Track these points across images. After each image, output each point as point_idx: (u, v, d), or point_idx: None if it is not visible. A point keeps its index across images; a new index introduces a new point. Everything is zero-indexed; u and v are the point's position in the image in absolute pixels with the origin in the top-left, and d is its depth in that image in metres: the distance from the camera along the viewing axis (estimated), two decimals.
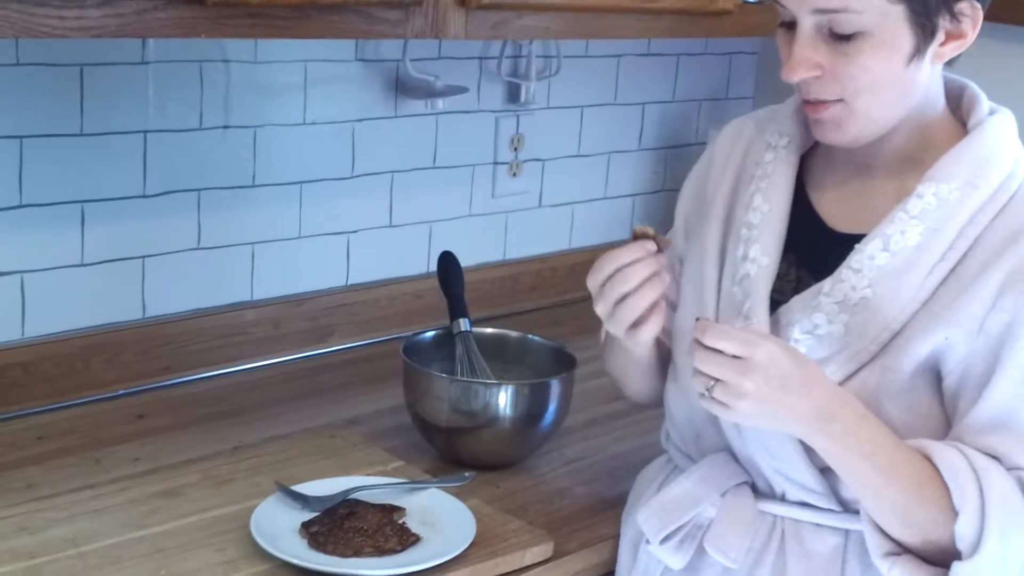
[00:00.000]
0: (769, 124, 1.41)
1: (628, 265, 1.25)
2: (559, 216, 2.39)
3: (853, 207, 1.33)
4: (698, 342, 1.19)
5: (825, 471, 1.28)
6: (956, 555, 1.20)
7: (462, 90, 2.08)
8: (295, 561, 1.35)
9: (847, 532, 1.30)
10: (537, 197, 2.34)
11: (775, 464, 1.31)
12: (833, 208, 1.34)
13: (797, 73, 1.23)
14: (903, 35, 1.21)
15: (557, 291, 2.37)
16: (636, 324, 1.28)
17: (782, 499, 1.33)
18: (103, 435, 1.67)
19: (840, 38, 1.21)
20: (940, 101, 1.30)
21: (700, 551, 1.35)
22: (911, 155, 1.29)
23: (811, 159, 1.38)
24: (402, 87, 2.05)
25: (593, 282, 1.28)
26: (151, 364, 1.84)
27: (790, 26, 1.25)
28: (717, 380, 1.18)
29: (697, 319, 1.22)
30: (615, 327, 1.29)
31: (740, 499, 1.34)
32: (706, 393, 1.19)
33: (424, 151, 2.13)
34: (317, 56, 1.94)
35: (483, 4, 1.60)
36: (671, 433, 1.47)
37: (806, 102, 1.26)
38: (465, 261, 1.87)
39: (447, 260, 1.84)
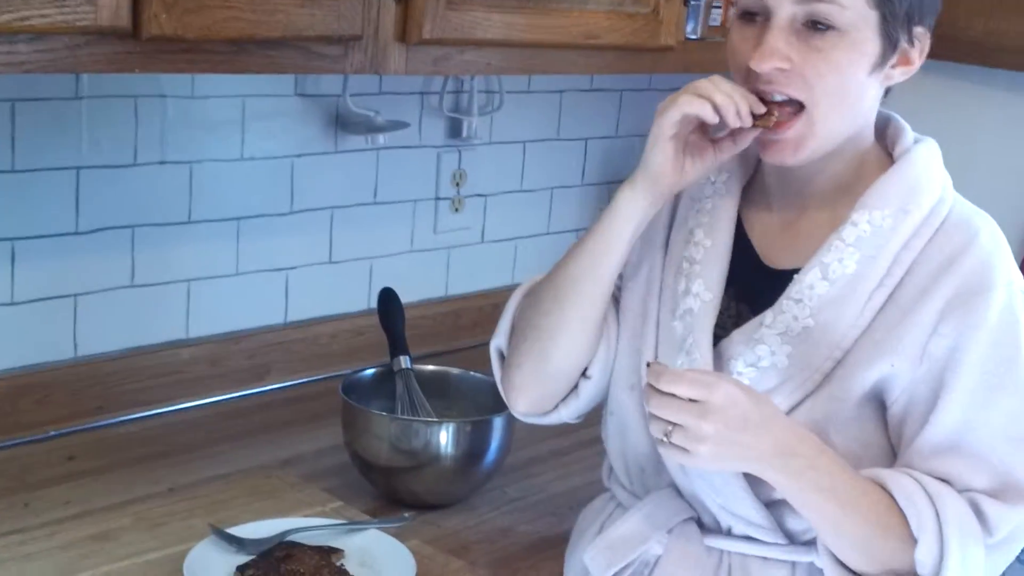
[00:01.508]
0: None
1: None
2: (502, 251, 2.38)
3: (787, 241, 1.33)
4: (652, 387, 1.17)
5: (770, 505, 1.28)
6: None
7: (403, 125, 2.07)
8: None
9: (793, 564, 1.30)
10: (480, 232, 2.33)
11: (720, 500, 1.30)
12: (768, 243, 1.34)
13: (769, 61, 1.22)
14: (872, 42, 1.23)
15: None
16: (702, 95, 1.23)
17: (728, 534, 1.33)
18: (32, 478, 1.63)
19: (815, 31, 1.21)
20: (871, 130, 1.32)
21: None
22: (844, 185, 1.30)
23: (748, 194, 1.38)
24: (342, 122, 2.04)
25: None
26: (83, 404, 1.80)
27: (751, 17, 1.25)
28: (675, 425, 1.16)
29: (649, 363, 1.21)
30: (694, 87, 1.24)
31: (687, 535, 1.33)
32: (664, 439, 1.17)
33: (365, 187, 2.12)
34: (256, 91, 1.92)
35: (424, 40, 1.59)
36: (614, 469, 1.45)
37: (765, 128, 1.25)
38: (406, 297, 1.85)
39: (387, 297, 1.83)
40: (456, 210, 2.27)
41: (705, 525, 1.34)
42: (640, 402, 1.35)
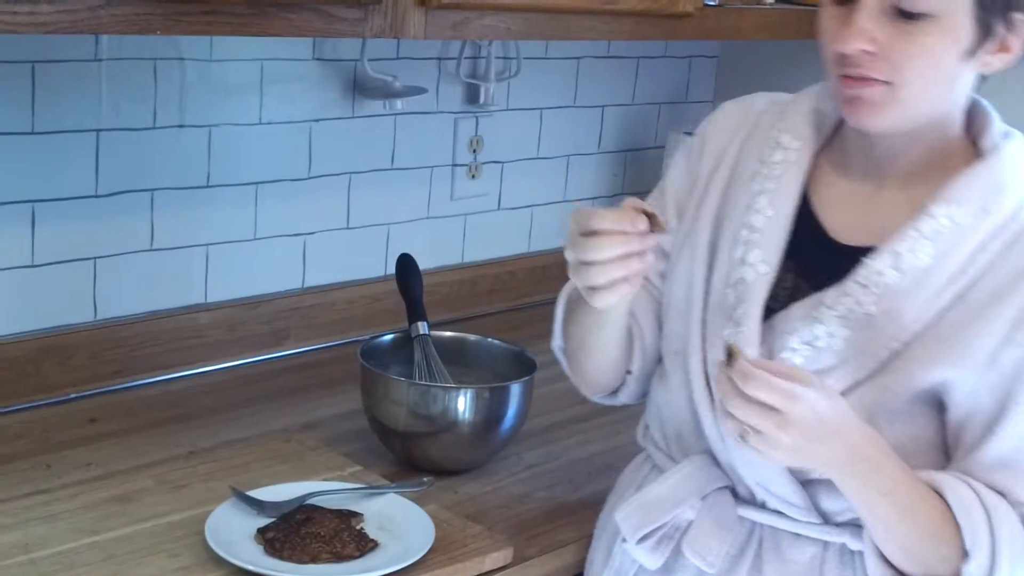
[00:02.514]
0: (778, 120, 1.37)
1: (609, 233, 1.17)
2: (518, 219, 2.37)
3: (858, 218, 1.30)
4: (733, 384, 1.14)
5: (806, 485, 1.27)
6: None
7: (421, 91, 2.07)
8: (251, 567, 1.32)
9: (825, 543, 1.29)
10: (496, 199, 2.32)
11: (756, 477, 1.30)
12: (837, 217, 1.31)
13: (855, 43, 1.19)
14: (965, 27, 1.19)
15: (516, 294, 2.36)
16: (599, 288, 1.20)
17: (762, 506, 1.32)
18: (54, 439, 1.64)
19: (906, 16, 1.18)
20: (960, 116, 1.28)
21: (676, 553, 1.34)
22: (923, 170, 1.27)
23: (818, 164, 1.34)
24: (360, 87, 2.03)
25: (574, 225, 1.20)
26: (103, 367, 1.81)
27: (844, 1, 1.21)
28: (751, 427, 1.14)
29: (729, 351, 1.16)
30: (576, 279, 1.22)
31: (720, 503, 1.33)
32: (740, 439, 1.16)
33: (382, 152, 2.11)
34: (274, 55, 1.92)
35: (443, 4, 1.58)
36: (651, 428, 1.45)
37: (846, 77, 1.22)
38: (423, 264, 1.85)
39: (406, 263, 1.83)
40: (473, 177, 2.27)
41: (739, 495, 1.34)
42: (684, 368, 1.35)
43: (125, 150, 1.79)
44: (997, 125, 1.29)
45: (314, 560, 1.36)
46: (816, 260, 1.29)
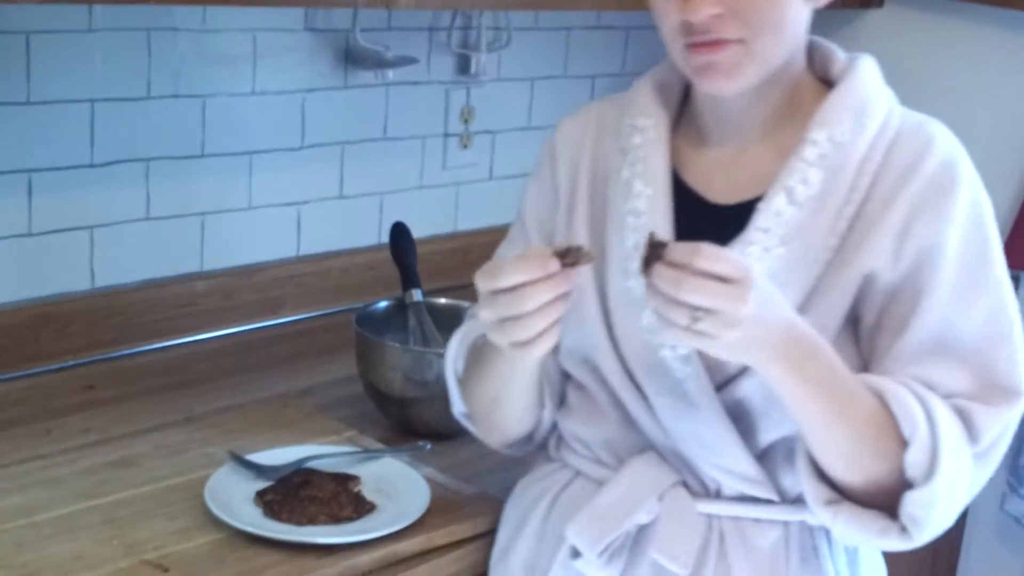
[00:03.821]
0: (626, 110, 1.33)
1: (529, 284, 1.10)
2: (510, 188, 2.38)
3: (731, 179, 1.28)
4: (675, 267, 1.06)
5: (761, 459, 1.26)
6: (905, 485, 1.18)
7: (412, 61, 2.08)
8: (250, 529, 1.35)
9: (786, 524, 1.28)
10: (488, 169, 2.34)
11: (712, 458, 1.26)
12: (707, 181, 1.29)
13: (705, 9, 1.16)
14: None
15: None
16: (529, 341, 1.13)
17: (717, 496, 1.28)
18: (53, 406, 1.66)
19: None
20: (804, 56, 1.28)
21: (630, 561, 1.29)
22: (783, 114, 1.27)
23: (676, 138, 1.32)
24: (352, 57, 2.04)
25: (484, 285, 1.13)
26: (100, 335, 1.83)
27: None
28: (704, 310, 1.06)
29: (652, 243, 1.08)
30: (500, 339, 1.14)
31: (678, 500, 1.28)
32: (688, 325, 1.06)
33: (374, 122, 2.13)
34: (266, 25, 1.93)
35: None
36: (566, 439, 1.38)
37: (695, 45, 1.19)
38: (416, 233, 1.87)
39: (399, 231, 1.84)
40: (464, 146, 2.28)
41: (692, 489, 1.29)
42: (596, 376, 1.30)
43: (120, 120, 1.80)
44: (840, 52, 1.30)
45: (312, 522, 1.38)
46: (700, 227, 1.23)
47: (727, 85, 1.21)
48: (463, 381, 1.38)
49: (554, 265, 1.11)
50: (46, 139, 1.74)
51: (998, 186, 1.66)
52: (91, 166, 1.79)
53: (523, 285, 1.10)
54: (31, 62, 1.69)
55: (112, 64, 1.77)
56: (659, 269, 1.07)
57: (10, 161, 1.71)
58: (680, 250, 1.06)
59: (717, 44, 1.18)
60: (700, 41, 1.19)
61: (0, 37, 1.65)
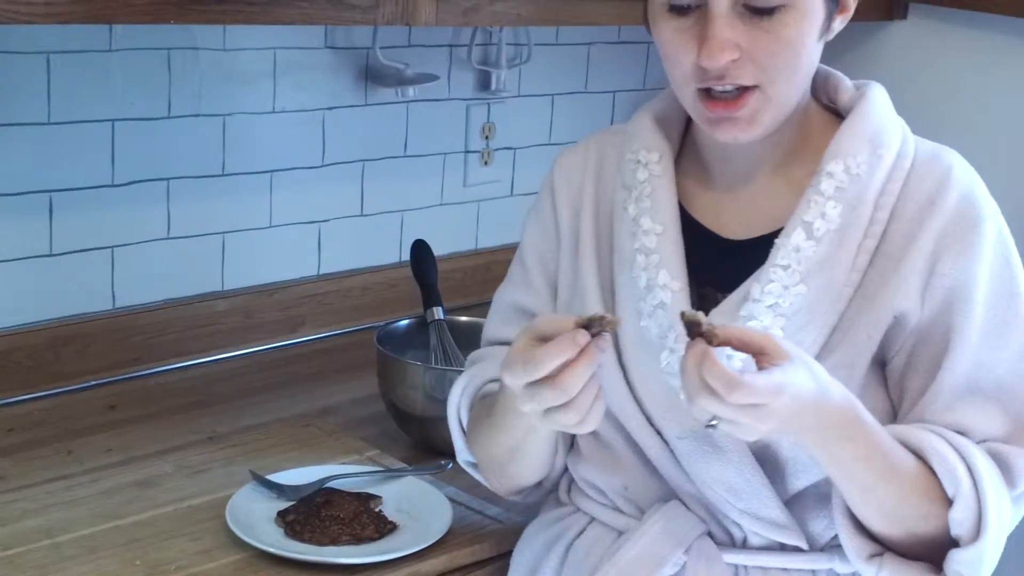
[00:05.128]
0: (627, 144, 1.30)
1: (568, 366, 1.06)
2: (531, 205, 2.38)
3: (742, 212, 1.25)
4: (708, 386, 1.03)
5: (790, 503, 1.23)
6: (950, 543, 1.16)
7: (433, 78, 2.07)
8: (272, 550, 1.34)
9: (813, 573, 1.24)
10: (509, 186, 2.33)
11: (739, 504, 1.22)
12: (720, 217, 1.26)
13: (721, 56, 1.12)
14: (818, 5, 1.16)
15: None
16: (581, 422, 1.10)
17: (744, 546, 1.25)
18: (75, 426, 1.66)
19: (760, 13, 1.13)
20: (810, 87, 1.24)
21: None
22: (793, 148, 1.24)
23: (680, 172, 1.28)
24: (372, 75, 2.04)
25: (519, 380, 1.08)
26: (122, 355, 1.83)
27: (683, 10, 1.16)
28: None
29: (690, 323, 1.04)
30: (551, 425, 1.12)
31: (705, 552, 1.24)
32: (712, 424, 1.06)
33: (395, 140, 2.12)
34: (286, 43, 1.93)
35: None
36: (580, 485, 1.34)
37: (714, 102, 1.16)
38: (437, 250, 1.86)
39: (420, 249, 1.84)
40: (485, 163, 2.27)
41: (717, 539, 1.26)
42: (614, 423, 1.27)
43: (141, 139, 1.80)
44: (848, 81, 1.27)
45: (334, 542, 1.38)
46: (713, 264, 1.23)
47: (744, 136, 1.19)
48: (470, 431, 1.35)
49: (584, 338, 1.07)
50: (67, 159, 1.74)
51: None
52: (112, 186, 1.79)
53: (561, 369, 1.07)
54: (51, 82, 1.70)
55: (132, 84, 1.78)
56: (690, 366, 1.03)
57: (31, 181, 1.72)
58: (719, 379, 1.02)
59: (736, 102, 1.15)
60: (718, 97, 1.16)
61: (21, 57, 1.66)
